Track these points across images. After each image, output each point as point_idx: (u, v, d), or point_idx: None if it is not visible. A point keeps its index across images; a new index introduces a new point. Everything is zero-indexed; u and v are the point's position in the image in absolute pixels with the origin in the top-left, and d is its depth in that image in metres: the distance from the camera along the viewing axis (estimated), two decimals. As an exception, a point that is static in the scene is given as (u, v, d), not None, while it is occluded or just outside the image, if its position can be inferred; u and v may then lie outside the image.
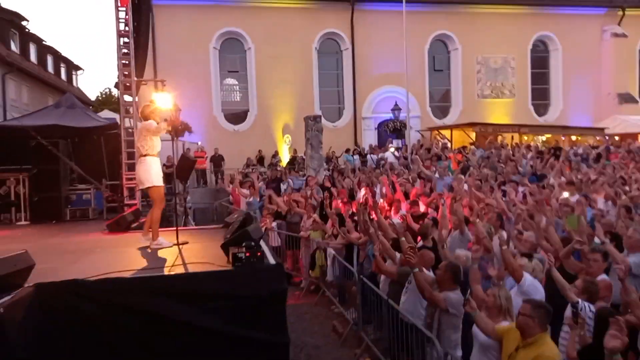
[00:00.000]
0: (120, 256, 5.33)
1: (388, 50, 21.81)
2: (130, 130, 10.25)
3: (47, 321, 3.65)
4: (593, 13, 24.65)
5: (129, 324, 3.85)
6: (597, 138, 21.68)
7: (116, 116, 14.21)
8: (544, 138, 22.51)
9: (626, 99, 24.61)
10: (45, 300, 3.66)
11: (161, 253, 5.36)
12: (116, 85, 20.18)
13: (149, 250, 5.55)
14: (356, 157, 18.58)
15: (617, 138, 21.15)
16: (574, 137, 22.37)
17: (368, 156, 18.51)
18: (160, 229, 5.82)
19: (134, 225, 7.50)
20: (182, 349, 3.92)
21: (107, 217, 9.43)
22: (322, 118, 16.25)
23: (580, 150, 16.63)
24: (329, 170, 15.84)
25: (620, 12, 24.71)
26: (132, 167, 9.99)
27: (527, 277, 4.39)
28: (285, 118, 22.10)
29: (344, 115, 23.46)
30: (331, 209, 9.17)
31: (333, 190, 10.55)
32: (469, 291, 4.38)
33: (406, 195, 9.65)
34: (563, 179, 10.04)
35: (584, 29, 24.56)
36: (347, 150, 19.56)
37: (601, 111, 24.61)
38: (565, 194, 8.19)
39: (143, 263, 4.94)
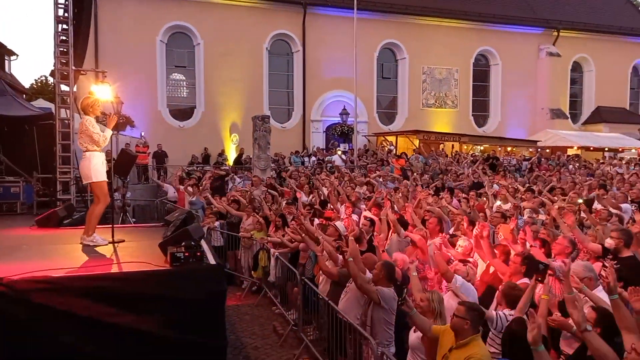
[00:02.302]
0: (49, 254, 5.02)
1: (338, 55, 22.07)
2: (66, 121, 9.74)
3: (-37, 322, 3.40)
4: (531, 32, 26.20)
5: (56, 327, 3.65)
6: (530, 150, 23.03)
7: (51, 106, 13.42)
8: (482, 148, 23.62)
9: (558, 114, 26.33)
10: (-38, 300, 3.41)
11: (94, 251, 5.12)
12: (52, 74, 19.07)
13: (82, 248, 5.28)
14: (305, 158, 18.65)
15: (548, 150, 22.58)
16: (509, 148, 23.61)
17: (312, 158, 18.62)
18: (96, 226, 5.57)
19: (66, 221, 7.11)
20: (114, 353, 3.75)
21: (37, 212, 8.89)
22: (271, 118, 16.18)
23: (514, 161, 17.61)
24: (275, 171, 15.79)
25: (555, 33, 26.44)
26: (66, 160, 9.51)
27: (458, 278, 4.58)
28: (233, 117, 21.80)
29: (292, 116, 23.48)
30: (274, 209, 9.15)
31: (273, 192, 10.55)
32: (405, 291, 4.50)
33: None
34: (496, 187, 10.58)
35: (522, 46, 26.04)
36: (295, 152, 19.57)
37: (535, 125, 26.19)
38: (498, 203, 8.65)
39: (74, 262, 4.68)
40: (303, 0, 21.90)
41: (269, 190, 11.10)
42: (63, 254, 4.97)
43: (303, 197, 10.15)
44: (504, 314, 4.01)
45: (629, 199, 9.07)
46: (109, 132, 5.58)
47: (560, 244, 5.45)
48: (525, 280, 4.60)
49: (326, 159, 17.76)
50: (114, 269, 4.33)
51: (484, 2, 25.15)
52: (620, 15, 28.39)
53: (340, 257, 5.41)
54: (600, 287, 4.43)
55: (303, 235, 6.43)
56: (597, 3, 28.43)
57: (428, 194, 9.36)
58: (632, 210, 8.44)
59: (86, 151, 5.48)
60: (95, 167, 5.45)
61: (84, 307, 3.73)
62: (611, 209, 7.84)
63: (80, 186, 9.72)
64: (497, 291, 4.37)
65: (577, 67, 28.08)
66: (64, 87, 10.18)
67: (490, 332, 4.12)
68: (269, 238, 8.16)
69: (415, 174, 14.00)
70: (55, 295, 3.70)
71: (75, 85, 10.25)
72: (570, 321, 3.60)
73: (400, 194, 9.42)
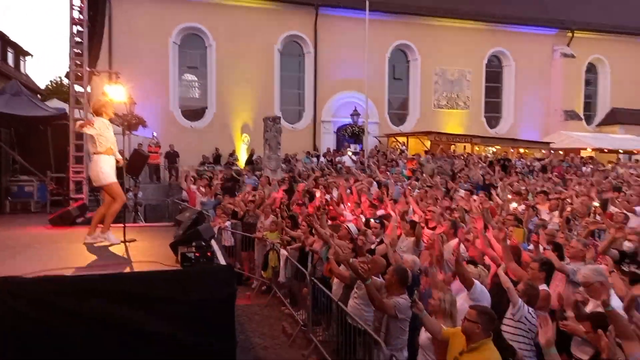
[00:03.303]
0: (61, 252, 5.09)
1: (350, 56, 22.03)
2: (80, 121, 9.84)
3: (-24, 320, 3.43)
4: (545, 33, 25.91)
5: (67, 326, 3.66)
6: (543, 151, 22.76)
7: (66, 106, 13.60)
8: (494, 149, 23.41)
9: (571, 116, 26.00)
10: (-24, 297, 3.44)
11: (106, 251, 5.17)
12: (67, 75, 19.33)
13: (94, 246, 5.33)
14: (315, 159, 18.65)
15: (561, 152, 22.30)
16: (522, 150, 23.37)
17: (321, 159, 18.60)
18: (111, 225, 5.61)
19: (79, 220, 7.19)
20: (122, 354, 3.76)
21: (51, 210, 9.00)
22: (282, 119, 16.21)
23: (528, 163, 17.42)
24: (286, 172, 15.81)
25: (570, 34, 26.10)
26: (80, 160, 9.60)
27: (477, 285, 4.52)
28: (244, 117, 21.88)
29: (303, 117, 23.49)
30: (290, 211, 9.15)
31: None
32: (415, 293, 4.47)
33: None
34: (510, 189, 10.47)
35: (536, 48, 25.76)
36: (307, 153, 19.58)
37: (548, 126, 25.88)
38: (514, 205, 8.55)
39: (86, 261, 4.73)
40: (315, 1, 21.90)
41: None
42: (75, 253, 5.03)
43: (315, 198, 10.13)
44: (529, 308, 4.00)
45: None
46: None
47: (574, 247, 5.38)
48: (544, 286, 4.54)
49: (336, 160, 17.73)
50: (126, 269, 4.36)
51: (497, 2, 24.88)
52: (635, 16, 27.93)
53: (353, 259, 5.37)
54: (613, 292, 4.36)
55: (329, 238, 6.32)
56: (612, 3, 27.97)
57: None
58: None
59: (94, 154, 5.51)
60: (103, 170, 5.46)
61: (95, 307, 3.74)
62: (625, 212, 7.73)
63: (92, 186, 9.83)
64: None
65: (591, 68, 27.69)
66: (78, 88, 10.29)
67: (506, 319, 4.08)
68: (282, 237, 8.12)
69: (424, 174, 13.92)
70: (67, 294, 3.72)
71: (89, 86, 10.32)
72: (581, 326, 3.56)
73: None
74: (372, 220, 7.44)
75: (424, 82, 24.65)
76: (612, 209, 8.16)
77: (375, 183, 12.02)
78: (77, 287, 3.78)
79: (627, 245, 5.09)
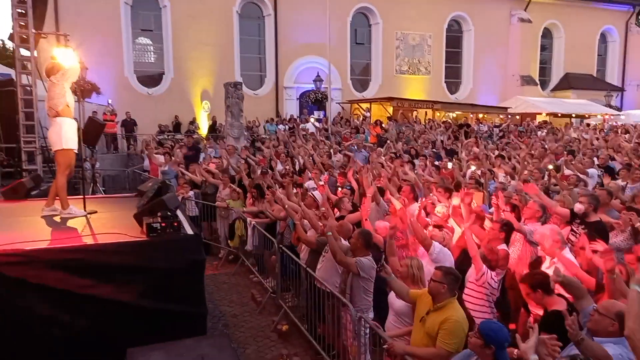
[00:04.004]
0: (19, 226, 4.86)
1: (311, 19, 21.60)
2: (28, 88, 9.28)
3: None
4: (503, -3, 26.16)
5: (30, 299, 3.57)
6: (501, 117, 23.40)
7: (11, 72, 12.75)
8: (454, 114, 23.85)
9: (528, 81, 26.72)
10: None
11: (67, 223, 4.98)
12: (11, 37, 18.04)
13: (53, 219, 5.12)
14: (280, 126, 18.43)
15: (518, 117, 23.00)
16: (480, 115, 23.94)
17: (279, 125, 18.43)
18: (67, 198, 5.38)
19: (33, 192, 6.86)
20: (91, 322, 3.71)
21: (3, 183, 8.56)
22: (243, 85, 15.84)
23: (485, 128, 17.90)
24: (249, 139, 15.59)
25: (527, -2, 26.48)
26: (31, 129, 9.13)
27: (436, 245, 4.68)
28: (204, 83, 21.25)
29: (265, 83, 23.05)
30: (251, 179, 9.07)
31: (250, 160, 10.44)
32: (383, 257, 4.57)
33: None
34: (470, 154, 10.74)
35: (494, 12, 26.05)
36: (270, 120, 19.32)
37: (506, 91, 26.54)
38: (472, 168, 8.81)
39: (45, 234, 4.55)
40: (274, -39, 21.19)
41: (246, 159, 10.94)
42: (33, 226, 4.82)
43: (279, 166, 10.08)
44: (491, 273, 4.18)
45: (596, 163, 9.37)
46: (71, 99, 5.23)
47: (531, 209, 5.61)
48: (504, 246, 4.74)
49: (300, 127, 17.61)
50: (89, 241, 4.23)
51: (458, -34, 24.87)
52: (590, -18, 28.65)
53: (320, 224, 5.43)
54: (568, 249, 4.61)
55: (285, 205, 6.39)
56: (569, -31, 28.52)
57: (402, 162, 9.43)
58: (598, 175, 8.75)
59: (56, 116, 5.20)
60: (66, 135, 5.19)
61: (59, 279, 3.65)
62: (579, 174, 8.10)
63: (46, 156, 9.38)
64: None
65: (547, 34, 28.37)
66: (23, 52, 9.65)
67: (468, 283, 4.27)
68: (247, 209, 8.11)
69: (389, 141, 14.06)
70: (28, 268, 3.60)
71: (36, 50, 9.68)
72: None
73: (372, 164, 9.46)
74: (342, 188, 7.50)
75: (385, 47, 24.57)
76: (566, 171, 8.53)
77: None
78: (39, 260, 3.66)
79: (577, 207, 5.33)
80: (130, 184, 13.12)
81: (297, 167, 10.36)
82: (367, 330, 4.19)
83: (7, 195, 6.61)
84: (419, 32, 25.06)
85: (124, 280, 3.82)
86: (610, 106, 26.32)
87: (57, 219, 5.15)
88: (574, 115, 24.60)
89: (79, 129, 5.39)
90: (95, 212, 5.43)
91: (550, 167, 8.32)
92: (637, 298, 2.52)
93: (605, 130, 17.14)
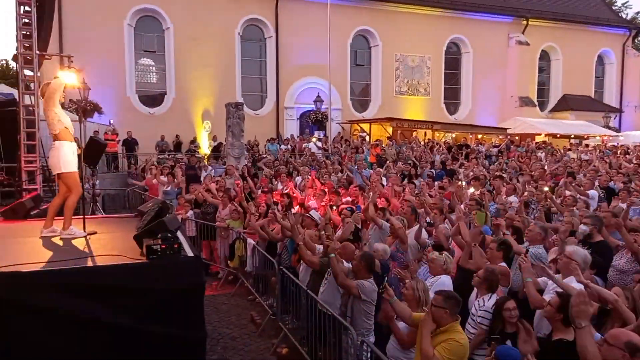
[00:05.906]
0: (16, 247, 4.82)
1: (312, 41, 21.87)
2: (30, 108, 9.35)
3: None
4: (501, 20, 26.57)
5: (25, 324, 3.49)
6: (500, 137, 23.50)
7: (14, 92, 12.86)
8: (453, 135, 23.97)
9: (526, 102, 26.92)
10: None
11: (66, 244, 4.94)
12: (14, 58, 18.24)
13: (52, 240, 5.09)
14: (282, 146, 18.48)
15: (517, 138, 23.08)
16: (480, 136, 24.03)
17: (285, 146, 18.49)
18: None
19: (33, 212, 6.84)
20: (88, 349, 3.63)
21: (2, 202, 8.54)
22: (244, 105, 15.95)
23: (483, 149, 17.94)
24: (249, 159, 15.63)
25: (525, 22, 26.89)
26: (32, 149, 9.15)
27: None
28: (205, 103, 21.41)
29: (266, 103, 23.22)
30: (251, 199, 9.05)
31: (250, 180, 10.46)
32: (385, 279, 4.53)
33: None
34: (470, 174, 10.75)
35: (492, 35, 26.41)
36: (271, 139, 19.40)
37: (504, 112, 26.72)
38: (471, 190, 8.78)
39: (43, 256, 4.51)
40: (275, -16, 21.56)
41: (245, 179, 10.94)
42: (31, 248, 4.77)
43: (279, 186, 10.08)
44: (484, 299, 4.11)
45: (596, 185, 9.36)
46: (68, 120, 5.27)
47: (532, 231, 5.59)
48: (504, 264, 4.72)
49: (303, 147, 17.66)
50: (87, 263, 4.19)
51: (456, -11, 25.31)
52: (586, 5, 29.11)
53: (319, 247, 5.41)
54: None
55: (289, 226, 6.35)
56: (565, -7, 29.04)
57: (397, 180, 9.46)
58: (598, 196, 8.75)
59: (55, 140, 5.23)
60: (65, 158, 5.21)
61: (56, 303, 3.58)
62: (578, 195, 8.08)
63: (47, 176, 9.38)
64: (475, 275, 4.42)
65: (544, 56, 28.70)
66: (27, 72, 9.76)
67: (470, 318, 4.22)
68: (250, 225, 8.06)
69: (388, 161, 14.09)
70: (24, 291, 3.54)
71: (39, 71, 9.78)
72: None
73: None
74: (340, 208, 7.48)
75: (385, 69, 24.84)
76: (567, 193, 8.51)
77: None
78: (36, 283, 3.60)
79: (582, 229, 5.32)
80: (130, 203, 13.11)
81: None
82: (369, 355, 4.13)
83: (6, 215, 6.59)
84: (418, 54, 25.38)
85: (123, 304, 3.75)
86: (609, 127, 26.46)
87: (57, 239, 5.11)
88: (572, 136, 24.71)
89: (79, 149, 5.40)
90: (95, 232, 5.39)
91: (546, 188, 8.31)
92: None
93: (605, 151, 17.18)
